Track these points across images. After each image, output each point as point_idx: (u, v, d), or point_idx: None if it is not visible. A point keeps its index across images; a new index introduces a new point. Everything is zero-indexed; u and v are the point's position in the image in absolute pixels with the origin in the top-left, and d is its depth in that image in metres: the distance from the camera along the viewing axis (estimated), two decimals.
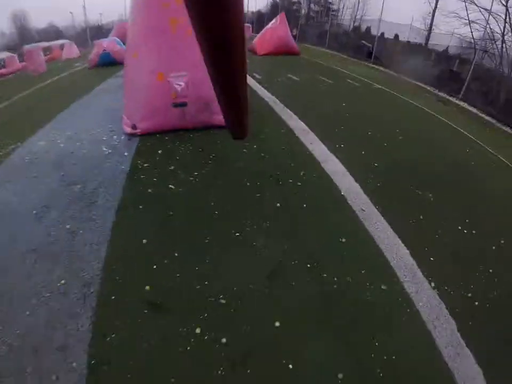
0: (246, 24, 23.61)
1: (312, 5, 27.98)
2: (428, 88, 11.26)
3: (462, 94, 8.80)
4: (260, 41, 10.17)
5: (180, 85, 3.12)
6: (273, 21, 10.78)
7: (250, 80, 5.38)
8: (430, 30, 17.77)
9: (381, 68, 13.83)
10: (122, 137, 3.35)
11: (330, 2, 26.38)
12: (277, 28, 10.07)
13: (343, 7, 24.26)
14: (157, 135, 3.32)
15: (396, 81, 9.48)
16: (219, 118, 3.15)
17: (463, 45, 17.18)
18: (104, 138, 3.41)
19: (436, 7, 16.94)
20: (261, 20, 32.45)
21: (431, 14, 17.34)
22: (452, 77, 14.06)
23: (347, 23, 23.69)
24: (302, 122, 3.89)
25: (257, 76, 5.81)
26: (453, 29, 16.31)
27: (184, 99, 3.22)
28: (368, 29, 21.14)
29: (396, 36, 17.86)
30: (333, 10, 26.36)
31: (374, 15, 20.23)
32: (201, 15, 0.24)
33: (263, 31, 12.25)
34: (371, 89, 6.56)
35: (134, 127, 3.30)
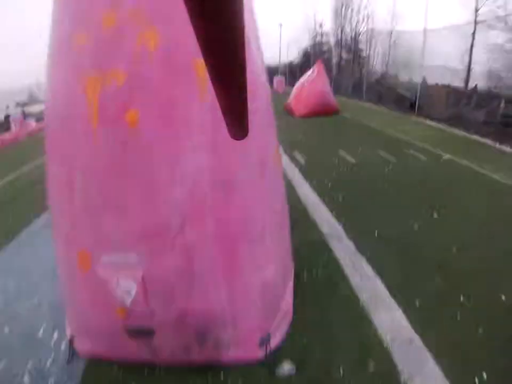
0: (279, 77, 23.61)
1: (343, 53, 27.83)
2: (487, 142, 9.71)
3: None
4: (296, 99, 8.98)
5: (128, 293, 1.29)
6: (309, 72, 9.63)
7: (290, 166, 3.90)
8: (469, 69, 16.22)
9: (428, 121, 12.37)
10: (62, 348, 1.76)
11: (360, 49, 26.00)
12: (315, 81, 8.86)
13: (374, 52, 23.59)
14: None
15: (455, 141, 8.01)
16: (230, 354, 1.49)
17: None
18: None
19: (472, 43, 15.48)
20: (293, 71, 33.00)
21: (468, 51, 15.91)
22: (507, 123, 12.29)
23: (379, 69, 22.85)
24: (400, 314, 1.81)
25: (298, 158, 4.34)
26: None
27: (145, 322, 1.40)
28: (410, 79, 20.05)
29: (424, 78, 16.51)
30: (363, 57, 25.88)
31: (404, 61, 19.28)
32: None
33: (298, 85, 11.14)
34: (443, 165, 4.94)
35: (71, 341, 1.62)
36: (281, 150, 4.70)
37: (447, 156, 5.66)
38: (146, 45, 1.17)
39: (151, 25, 1.18)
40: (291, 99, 9.43)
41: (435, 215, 2.94)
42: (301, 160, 4.25)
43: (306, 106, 8.46)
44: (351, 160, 4.42)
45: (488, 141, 9.79)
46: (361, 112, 11.75)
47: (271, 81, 24.97)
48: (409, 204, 3.10)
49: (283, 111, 9.57)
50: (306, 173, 3.75)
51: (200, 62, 0.88)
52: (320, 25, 29.89)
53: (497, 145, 9.64)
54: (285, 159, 4.22)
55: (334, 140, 5.63)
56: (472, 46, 15.58)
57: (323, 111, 8.79)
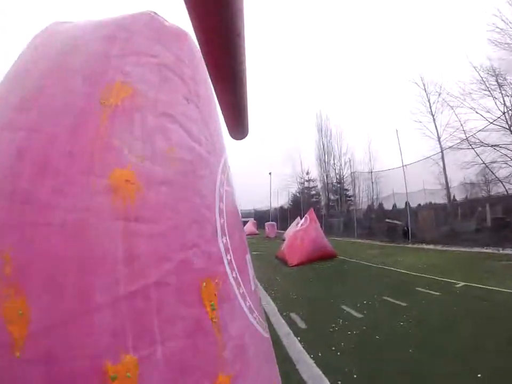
0: (271, 223, 25.01)
1: (330, 195, 30.64)
2: (489, 251, 9.33)
3: None
4: (289, 247, 8.98)
5: None
6: (302, 220, 10.01)
7: (287, 335, 3.31)
8: (447, 187, 17.50)
9: (424, 246, 12.22)
10: None
11: (346, 189, 28.74)
12: (308, 229, 9.08)
13: (358, 191, 25.98)
14: None
15: (459, 261, 7.82)
16: None
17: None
18: None
19: (444, 165, 17.37)
20: (284, 215, 35.46)
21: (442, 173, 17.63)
22: (500, 225, 12.12)
23: (365, 206, 24.55)
24: None
25: (297, 321, 3.79)
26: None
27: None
28: (395, 205, 21.28)
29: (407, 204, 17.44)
30: (349, 196, 28.32)
31: (388, 191, 21.06)
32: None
33: (291, 233, 11.44)
34: (460, 296, 4.36)
35: None
36: (276, 311, 4.19)
37: (460, 284, 5.18)
38: None
39: None
40: (284, 247, 9.45)
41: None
42: (301, 324, 3.68)
43: (301, 255, 8.38)
44: (357, 315, 3.86)
45: (490, 250, 9.49)
46: (355, 251, 11.72)
47: (263, 227, 26.37)
48: (451, 372, 2.41)
49: (275, 260, 9.42)
50: (308, 342, 3.14)
51: None
52: (307, 172, 34.57)
53: (501, 250, 9.30)
54: (282, 323, 3.66)
55: (334, 292, 5.16)
56: (444, 168, 17.71)
57: (318, 258, 8.67)
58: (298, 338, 3.24)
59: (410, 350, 2.83)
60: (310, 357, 2.84)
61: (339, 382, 2.40)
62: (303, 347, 3.03)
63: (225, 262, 0.80)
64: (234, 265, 0.84)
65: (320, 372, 2.55)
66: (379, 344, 3.02)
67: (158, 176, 0.71)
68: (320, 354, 2.86)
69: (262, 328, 1.06)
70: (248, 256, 1.05)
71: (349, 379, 2.43)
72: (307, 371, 2.59)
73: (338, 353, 2.87)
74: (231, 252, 0.86)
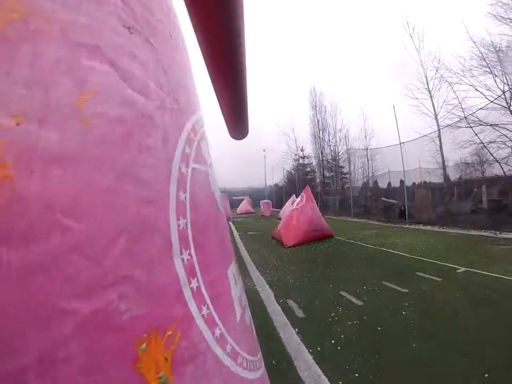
0: (266, 201, 24.86)
1: (325, 172, 30.35)
2: (487, 234, 9.33)
3: None
4: (285, 228, 8.76)
5: None
6: (298, 199, 9.74)
7: (283, 325, 3.12)
8: (444, 166, 17.31)
9: (421, 227, 12.21)
10: None
11: (341, 166, 28.46)
12: (304, 208, 8.83)
13: (354, 168, 25.69)
14: None
15: (457, 244, 7.69)
16: None
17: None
18: None
19: (440, 143, 17.11)
20: (279, 193, 35.25)
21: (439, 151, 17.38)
22: (497, 208, 12.18)
23: (360, 184, 24.39)
24: None
25: (294, 309, 3.60)
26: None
27: None
28: (389, 184, 21.16)
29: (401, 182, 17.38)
30: (344, 174, 28.10)
31: (384, 169, 20.80)
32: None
33: (287, 212, 11.24)
34: (463, 282, 4.23)
35: None
36: (272, 297, 4.00)
37: (462, 269, 5.06)
38: None
39: None
40: (280, 227, 9.23)
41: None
42: (298, 312, 3.49)
43: (297, 235, 8.16)
44: (357, 303, 3.67)
45: (487, 233, 9.47)
46: (352, 230, 11.62)
47: (258, 205, 26.15)
48: (459, 369, 2.24)
49: (271, 240, 9.26)
50: (307, 334, 2.96)
51: None
52: (302, 149, 33.99)
53: (498, 234, 9.29)
54: (279, 313, 3.47)
55: (332, 276, 4.97)
56: (441, 147, 17.41)
57: (316, 237, 8.50)
58: (296, 330, 3.04)
59: (413, 345, 2.65)
60: (309, 351, 2.65)
61: (340, 382, 2.21)
62: (301, 340, 2.84)
63: (188, 294, 0.49)
64: (206, 294, 0.54)
65: (320, 371, 2.36)
66: (381, 336, 2.83)
67: (50, 148, 0.37)
68: (319, 349, 2.67)
69: (254, 370, 0.76)
70: (232, 269, 0.72)
71: (349, 379, 2.24)
72: (305, 369, 2.40)
73: (339, 348, 2.68)
74: (199, 274, 0.54)
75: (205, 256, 0.57)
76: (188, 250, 0.52)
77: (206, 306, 0.53)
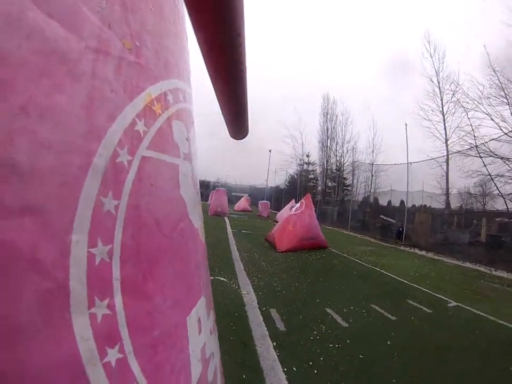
0: (264, 201, 24.69)
1: (328, 181, 30.08)
2: (482, 269, 9.18)
3: None
4: (280, 232, 8.59)
5: None
6: (297, 205, 9.58)
7: (263, 337, 2.96)
8: (447, 193, 17.05)
9: (417, 251, 12.04)
10: None
11: (344, 178, 28.20)
12: (302, 215, 8.65)
13: (357, 182, 25.43)
14: None
15: (452, 275, 7.60)
16: None
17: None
18: None
19: (447, 169, 16.84)
20: (279, 195, 34.99)
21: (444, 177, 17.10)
22: (495, 243, 12.00)
23: (361, 198, 24.12)
24: None
25: (276, 320, 3.43)
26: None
27: None
28: (389, 202, 20.97)
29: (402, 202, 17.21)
30: (346, 186, 27.84)
31: (386, 187, 20.57)
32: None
33: (284, 215, 11.08)
34: (454, 318, 4.11)
35: None
36: (255, 303, 3.85)
37: (453, 304, 4.91)
38: None
39: None
40: (275, 230, 9.08)
41: None
42: (280, 324, 3.33)
43: (292, 240, 8.00)
44: (343, 324, 3.51)
45: (483, 268, 9.31)
46: (347, 243, 11.46)
47: (256, 204, 25.89)
48: None
49: (264, 242, 9.09)
50: (285, 350, 2.80)
51: None
52: (307, 155, 33.69)
53: (493, 271, 9.13)
54: (259, 322, 3.32)
55: (320, 290, 4.80)
56: (447, 173, 17.16)
57: (310, 246, 8.34)
58: (274, 343, 2.89)
59: (394, 380, 2.50)
60: (283, 370, 2.49)
61: None
62: (278, 356, 2.69)
63: (97, 375, 0.30)
64: (136, 368, 0.34)
65: None
66: (361, 365, 2.67)
67: None
68: (295, 369, 2.52)
69: None
70: (197, 311, 0.52)
71: None
72: None
73: (315, 371, 2.52)
74: (127, 337, 0.34)
75: (146, 304, 0.38)
76: (108, 300, 0.33)
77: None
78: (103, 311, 0.32)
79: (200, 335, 0.51)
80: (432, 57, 19.31)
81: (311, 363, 2.63)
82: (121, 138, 0.36)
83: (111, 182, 0.34)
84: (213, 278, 4.56)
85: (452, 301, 4.98)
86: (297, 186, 30.37)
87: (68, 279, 0.29)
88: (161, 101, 0.47)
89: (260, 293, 4.30)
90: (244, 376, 2.32)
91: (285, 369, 2.50)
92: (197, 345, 0.49)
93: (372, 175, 23.11)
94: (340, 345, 2.98)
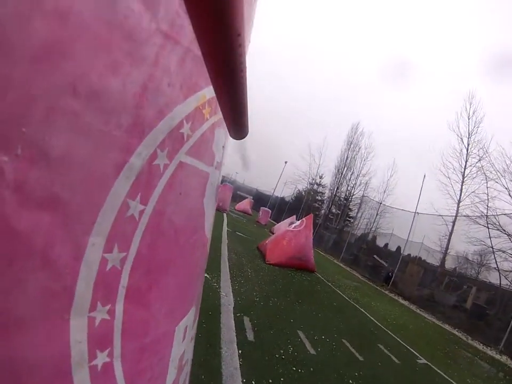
0: (266, 209, 24.61)
1: (332, 207, 29.99)
2: (459, 334, 9.04)
3: None
4: (273, 244, 8.60)
5: None
6: (297, 222, 9.59)
7: (230, 345, 2.98)
8: (445, 252, 16.86)
9: (400, 300, 11.93)
10: None
11: (349, 209, 28.09)
12: (300, 234, 8.66)
13: (361, 216, 25.32)
14: None
15: (428, 333, 7.56)
16: None
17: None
18: None
19: (452, 229, 16.66)
20: (281, 207, 34.95)
21: (447, 236, 16.92)
22: (479, 314, 11.85)
23: (360, 233, 23.98)
24: None
25: (247, 329, 3.45)
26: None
27: None
28: (386, 245, 20.84)
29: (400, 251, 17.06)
30: (349, 217, 27.71)
31: (388, 229, 20.43)
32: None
33: (282, 229, 11.07)
34: (419, 374, 4.03)
35: None
36: (231, 308, 3.86)
37: (423, 361, 4.87)
38: None
39: None
40: (268, 242, 9.09)
41: None
42: (249, 334, 3.35)
43: (282, 255, 8.00)
44: (310, 350, 3.51)
45: (460, 334, 9.19)
46: (335, 275, 11.40)
47: (258, 209, 25.80)
48: None
49: (255, 250, 9.09)
50: (248, 361, 2.81)
51: None
52: (321, 176, 33.71)
53: (469, 340, 9.00)
54: (230, 327, 3.33)
55: (297, 311, 4.82)
56: (451, 233, 17.02)
57: (298, 266, 8.33)
58: (240, 351, 2.90)
59: None
60: (242, 381, 2.50)
61: None
62: (241, 365, 2.70)
63: (82, 378, 0.31)
64: (118, 373, 0.34)
65: None
66: None
67: None
68: (253, 383, 2.53)
69: None
70: (187, 320, 0.52)
71: None
72: None
73: None
74: (118, 343, 0.33)
75: (145, 312, 0.37)
76: (110, 306, 0.31)
77: None
78: (103, 316, 0.30)
79: (182, 343, 0.51)
80: (469, 119, 19.25)
81: (270, 381, 2.64)
82: (165, 139, 0.33)
83: (143, 185, 0.31)
84: None
85: (422, 358, 4.94)
86: (302, 204, 30.34)
87: (76, 282, 0.27)
88: (212, 105, 0.45)
89: (238, 298, 4.32)
90: (202, 377, 2.33)
91: (244, 380, 2.51)
92: (177, 354, 0.49)
93: (377, 214, 23.04)
94: (303, 371, 2.99)
